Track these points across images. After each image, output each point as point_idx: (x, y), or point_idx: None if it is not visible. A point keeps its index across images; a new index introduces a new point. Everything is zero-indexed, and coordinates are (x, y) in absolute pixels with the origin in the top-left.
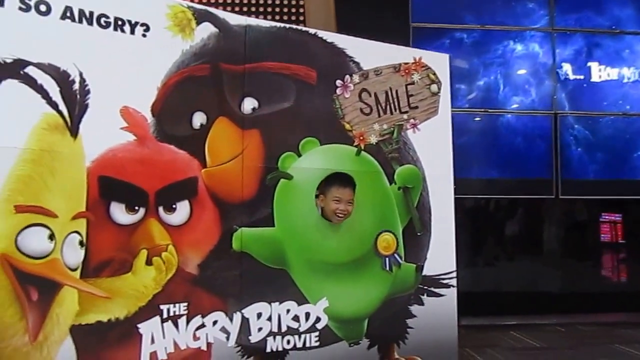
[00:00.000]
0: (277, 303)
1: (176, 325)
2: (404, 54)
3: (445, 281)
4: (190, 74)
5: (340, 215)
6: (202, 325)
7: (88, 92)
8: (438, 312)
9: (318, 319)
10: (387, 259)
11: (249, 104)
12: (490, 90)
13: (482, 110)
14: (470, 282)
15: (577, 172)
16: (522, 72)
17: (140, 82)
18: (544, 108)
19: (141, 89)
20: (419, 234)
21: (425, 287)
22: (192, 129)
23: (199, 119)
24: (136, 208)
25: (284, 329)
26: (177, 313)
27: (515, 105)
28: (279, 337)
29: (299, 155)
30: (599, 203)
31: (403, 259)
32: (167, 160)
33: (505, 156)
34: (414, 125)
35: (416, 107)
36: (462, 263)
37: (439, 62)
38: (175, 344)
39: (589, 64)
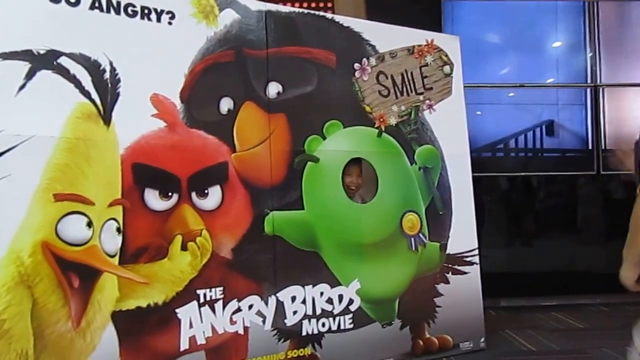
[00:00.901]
0: (311, 286)
1: (213, 309)
2: (417, 37)
3: (468, 259)
4: (215, 60)
5: (352, 187)
6: (239, 310)
7: (119, 80)
8: (463, 290)
9: (351, 301)
10: (412, 238)
11: (273, 89)
12: (523, 64)
13: (517, 84)
14: (509, 262)
15: None
16: (557, 44)
17: (168, 69)
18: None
19: (169, 76)
20: (440, 212)
21: (450, 265)
22: (220, 114)
23: (226, 104)
24: (169, 194)
25: (318, 311)
26: (213, 297)
27: (550, 80)
28: (314, 320)
29: (324, 138)
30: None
31: (427, 238)
32: (198, 146)
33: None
34: (430, 106)
35: (431, 89)
36: (501, 243)
37: (450, 44)
38: (213, 328)
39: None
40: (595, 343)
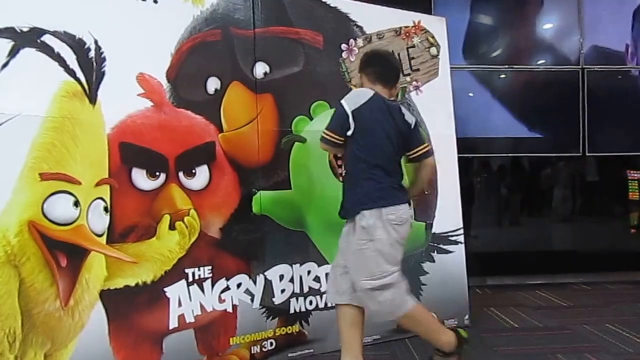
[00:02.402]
0: (298, 265)
1: (202, 288)
2: (404, 18)
3: (453, 238)
4: (202, 39)
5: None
6: (227, 288)
7: (104, 59)
8: (448, 268)
9: None
10: None
11: (260, 69)
12: (514, 46)
13: (507, 66)
14: (496, 242)
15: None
16: (548, 26)
17: (154, 48)
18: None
19: (155, 55)
20: (426, 192)
21: (435, 245)
22: (207, 94)
23: (213, 84)
24: (157, 174)
25: (306, 290)
26: (202, 276)
27: (541, 61)
28: (301, 298)
29: (311, 119)
30: (625, 160)
31: (414, 217)
32: (185, 126)
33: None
34: (417, 87)
35: (418, 70)
36: (488, 223)
37: (437, 25)
38: (202, 307)
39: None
40: (578, 320)
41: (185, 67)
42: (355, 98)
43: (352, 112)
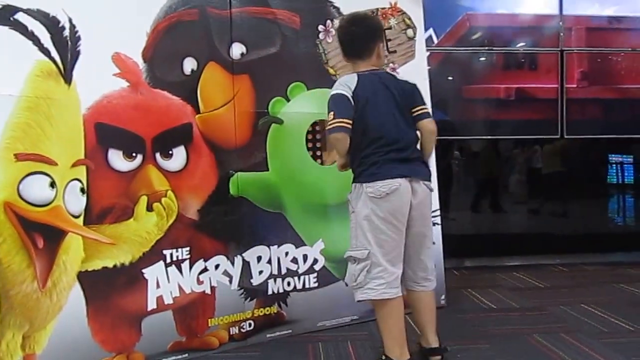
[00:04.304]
0: (276, 246)
1: (180, 269)
2: None
3: None
4: (178, 19)
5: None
6: (205, 269)
7: (79, 38)
8: None
9: (315, 261)
10: None
11: (237, 49)
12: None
13: (487, 49)
14: (474, 224)
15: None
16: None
17: (129, 27)
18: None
19: (131, 34)
20: None
21: None
22: (183, 74)
23: (189, 64)
24: (134, 155)
25: (283, 271)
26: (180, 258)
27: (521, 44)
28: (279, 280)
29: (288, 100)
30: (605, 143)
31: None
32: (162, 107)
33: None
34: (393, 69)
35: (394, 52)
36: (466, 205)
37: (413, 7)
38: (181, 288)
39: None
40: (554, 301)
41: (162, 47)
42: (346, 84)
43: (352, 97)
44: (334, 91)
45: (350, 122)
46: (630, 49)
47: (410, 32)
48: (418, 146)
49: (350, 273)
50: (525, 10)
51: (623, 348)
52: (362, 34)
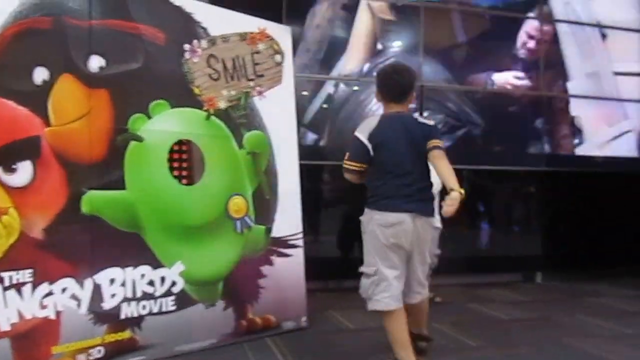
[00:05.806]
0: (131, 268)
1: (20, 293)
2: (250, 24)
3: (292, 242)
4: (30, 26)
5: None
6: (50, 293)
7: None
8: (287, 272)
9: (174, 283)
10: (238, 221)
11: (95, 62)
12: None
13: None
14: (339, 247)
15: None
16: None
17: None
18: None
19: None
20: (267, 197)
21: (274, 248)
22: (33, 85)
23: (41, 74)
24: None
25: (139, 294)
26: (21, 280)
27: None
28: (134, 303)
29: (150, 118)
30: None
31: (254, 221)
32: (6, 117)
33: None
34: (260, 93)
35: (262, 76)
36: (334, 229)
37: (282, 33)
38: (20, 314)
39: None
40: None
41: (9, 54)
42: (366, 126)
43: (368, 139)
44: (356, 132)
45: (359, 165)
46: None
47: (278, 57)
48: (433, 178)
49: (363, 286)
50: None
51: None
52: (405, 84)
